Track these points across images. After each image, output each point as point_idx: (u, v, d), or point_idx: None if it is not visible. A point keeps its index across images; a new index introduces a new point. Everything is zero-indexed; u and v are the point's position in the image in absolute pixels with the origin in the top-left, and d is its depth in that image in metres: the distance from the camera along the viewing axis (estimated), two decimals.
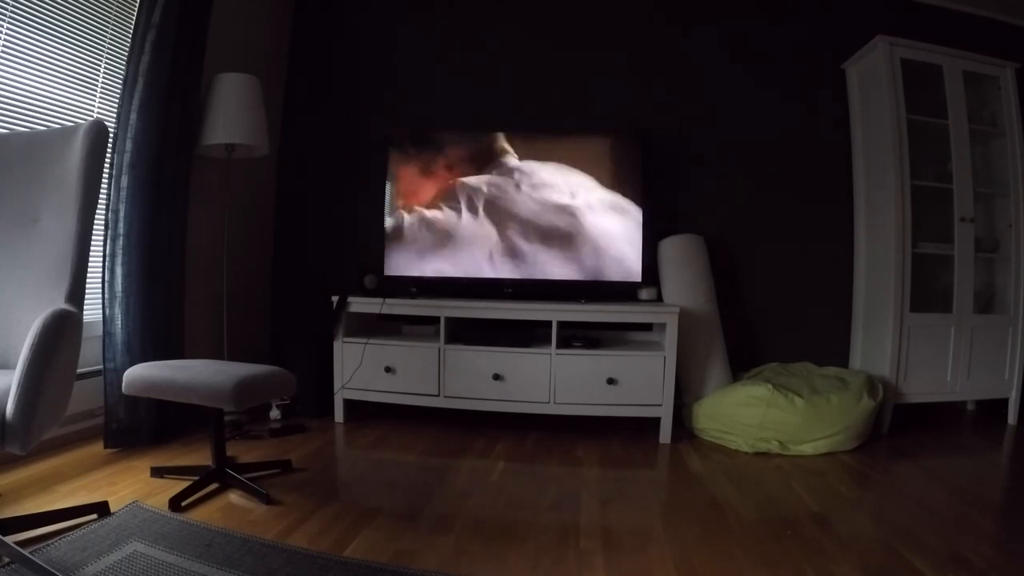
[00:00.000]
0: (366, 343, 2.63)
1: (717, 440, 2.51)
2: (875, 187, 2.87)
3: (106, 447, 2.13)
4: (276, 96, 3.24)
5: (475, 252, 2.82)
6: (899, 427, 2.72)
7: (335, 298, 2.67)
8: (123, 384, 1.74)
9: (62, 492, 1.72)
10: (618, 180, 2.78)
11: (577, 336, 2.64)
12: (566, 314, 2.53)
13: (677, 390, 2.58)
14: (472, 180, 2.82)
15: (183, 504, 1.67)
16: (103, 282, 2.17)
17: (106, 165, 1.73)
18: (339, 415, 2.67)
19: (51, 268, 1.44)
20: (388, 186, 2.87)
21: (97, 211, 1.53)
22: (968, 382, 2.81)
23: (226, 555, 1.37)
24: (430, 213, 2.84)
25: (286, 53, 3.32)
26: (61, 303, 1.36)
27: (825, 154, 3.09)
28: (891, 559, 1.46)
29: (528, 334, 2.65)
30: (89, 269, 1.47)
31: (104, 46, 2.23)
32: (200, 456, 2.11)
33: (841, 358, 3.05)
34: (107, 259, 2.16)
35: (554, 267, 2.79)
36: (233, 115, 2.49)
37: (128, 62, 2.18)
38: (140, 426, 2.19)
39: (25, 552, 1.26)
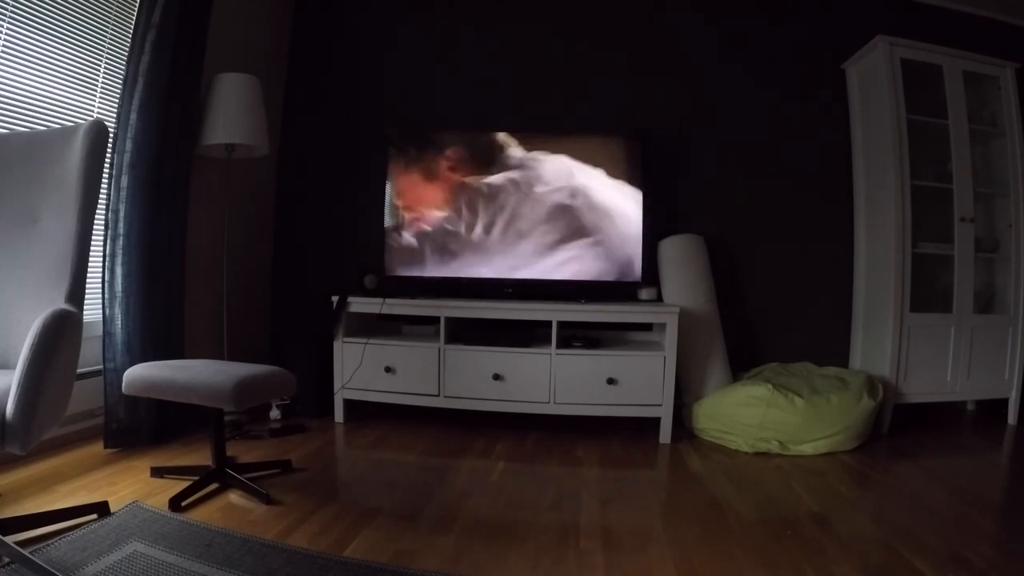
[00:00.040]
0: (366, 343, 2.64)
1: (717, 440, 2.51)
2: (875, 187, 2.87)
3: (106, 447, 2.13)
4: (276, 96, 3.24)
5: (475, 252, 2.82)
6: (899, 427, 2.72)
7: (335, 298, 2.67)
8: (123, 384, 1.74)
9: (62, 492, 1.72)
10: (618, 180, 2.78)
11: (577, 336, 2.64)
12: (566, 314, 2.53)
13: (677, 390, 2.58)
14: (471, 180, 2.82)
15: (183, 504, 1.67)
16: (103, 282, 2.17)
17: (106, 165, 1.73)
18: (339, 415, 2.67)
19: (51, 268, 1.44)
20: (388, 186, 2.86)
21: (97, 211, 1.53)
22: (968, 382, 2.81)
23: (226, 555, 1.37)
24: (430, 213, 2.85)
25: (286, 53, 3.32)
26: (61, 303, 1.36)
27: (825, 154, 3.09)
28: (891, 559, 1.46)
29: (528, 334, 2.65)
30: (89, 269, 1.47)
31: (104, 46, 2.23)
32: (200, 456, 2.11)
33: (841, 358, 3.05)
34: (107, 259, 2.16)
35: (554, 267, 2.79)
36: (233, 115, 2.49)
37: (128, 62, 2.18)
38: (140, 426, 2.20)
39: (25, 552, 1.26)
